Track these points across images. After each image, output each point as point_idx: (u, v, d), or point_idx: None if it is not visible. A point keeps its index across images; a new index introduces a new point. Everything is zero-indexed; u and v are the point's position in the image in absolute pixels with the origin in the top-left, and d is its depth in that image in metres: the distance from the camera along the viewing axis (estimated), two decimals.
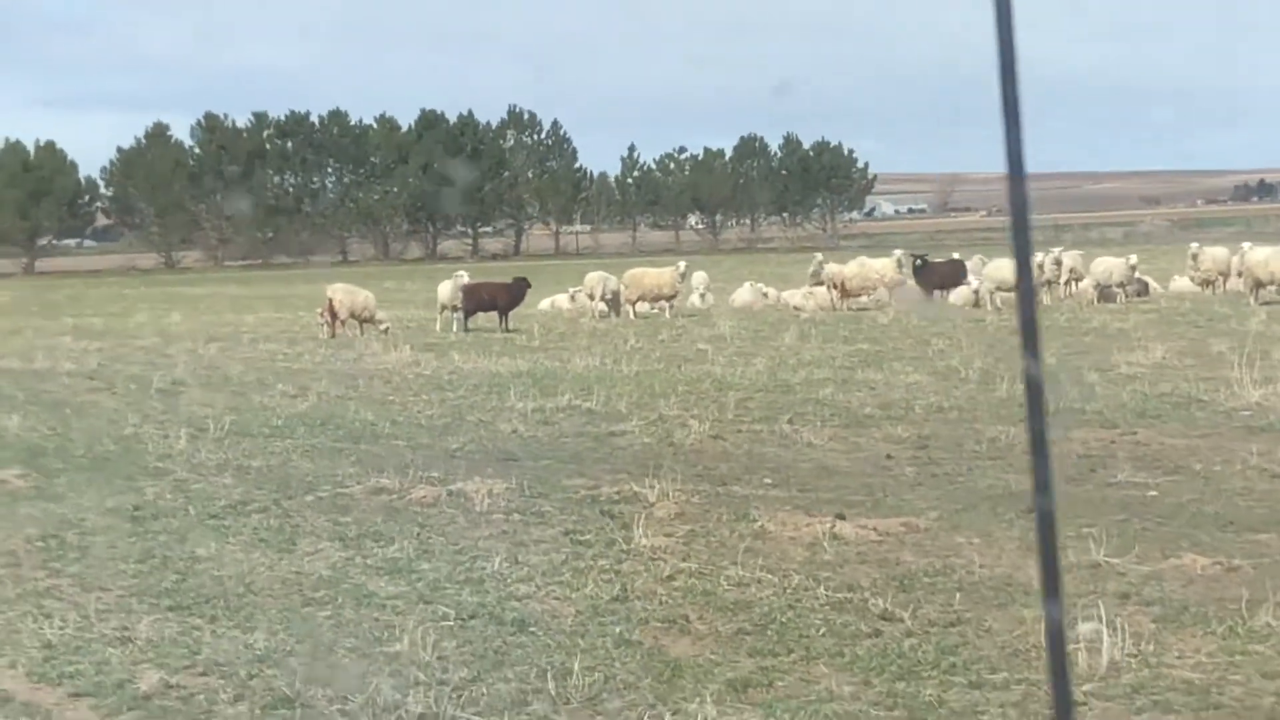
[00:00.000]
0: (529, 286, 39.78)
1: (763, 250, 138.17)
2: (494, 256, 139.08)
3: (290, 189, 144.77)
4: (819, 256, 49.10)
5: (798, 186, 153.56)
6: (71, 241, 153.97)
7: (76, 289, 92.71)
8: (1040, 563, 2.71)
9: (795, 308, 43.93)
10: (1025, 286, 2.66)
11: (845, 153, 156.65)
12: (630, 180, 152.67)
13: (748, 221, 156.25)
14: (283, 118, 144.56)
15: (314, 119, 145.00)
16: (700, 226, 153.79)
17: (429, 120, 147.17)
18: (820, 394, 21.53)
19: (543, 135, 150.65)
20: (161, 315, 53.42)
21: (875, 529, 12.06)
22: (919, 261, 43.86)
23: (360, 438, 18.83)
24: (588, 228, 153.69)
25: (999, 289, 39.89)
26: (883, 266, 42.87)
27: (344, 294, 37.59)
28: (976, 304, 41.06)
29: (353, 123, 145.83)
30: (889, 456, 16.08)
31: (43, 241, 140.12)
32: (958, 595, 9.98)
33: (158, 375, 28.10)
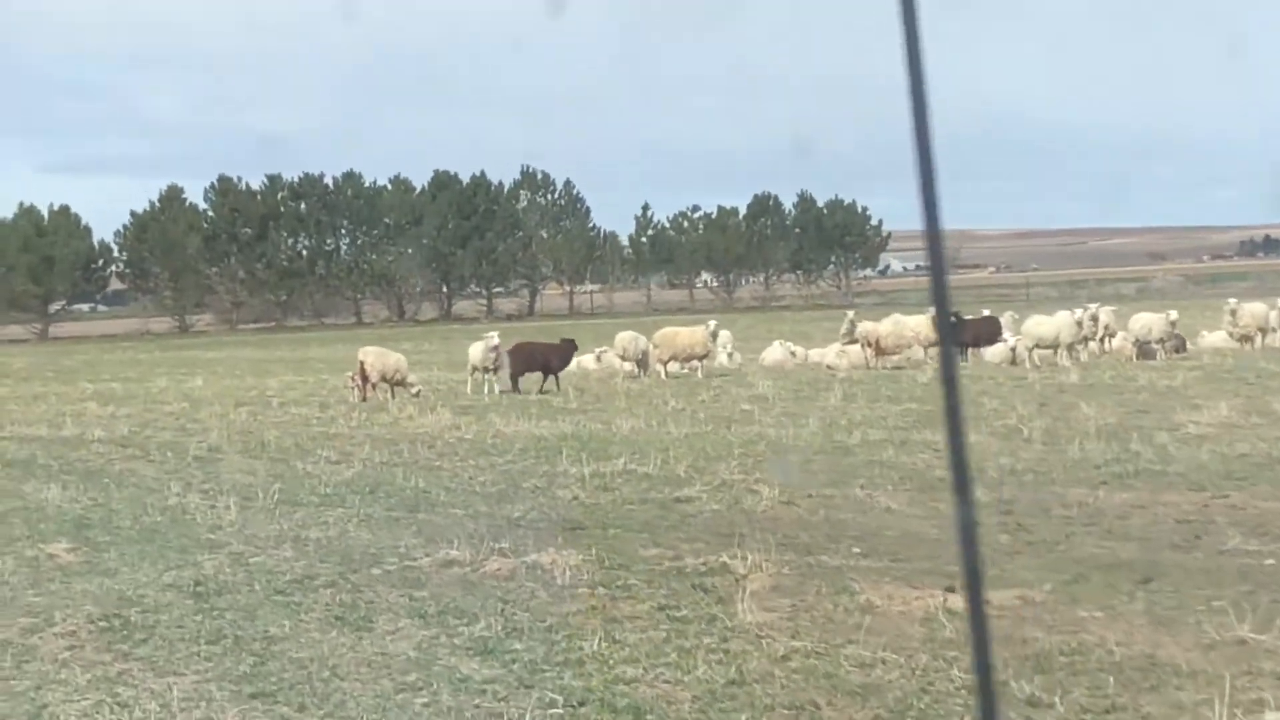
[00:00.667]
0: (576, 348, 39.30)
1: (777, 308, 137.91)
2: (509, 317, 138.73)
3: (304, 251, 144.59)
4: (851, 315, 48.49)
5: (812, 244, 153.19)
6: (84, 306, 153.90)
7: (91, 354, 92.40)
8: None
9: (829, 366, 43.35)
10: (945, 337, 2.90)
11: (859, 210, 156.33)
12: (644, 239, 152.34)
13: (761, 280, 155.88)
14: (296, 180, 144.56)
15: (327, 180, 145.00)
16: (715, 285, 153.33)
17: (442, 181, 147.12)
18: (882, 456, 20.91)
19: (556, 195, 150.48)
20: (182, 380, 52.89)
21: (989, 602, 11.36)
22: (952, 319, 43.16)
23: (415, 506, 18.19)
24: (600, 287, 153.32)
25: (1038, 346, 39.29)
26: (918, 324, 42.25)
27: (375, 356, 36.99)
28: (1014, 361, 40.47)
29: (366, 184, 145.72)
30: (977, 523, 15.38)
31: (56, 307, 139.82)
32: (1108, 679, 9.29)
33: (192, 442, 27.55)
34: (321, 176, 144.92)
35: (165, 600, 13.02)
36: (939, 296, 2.74)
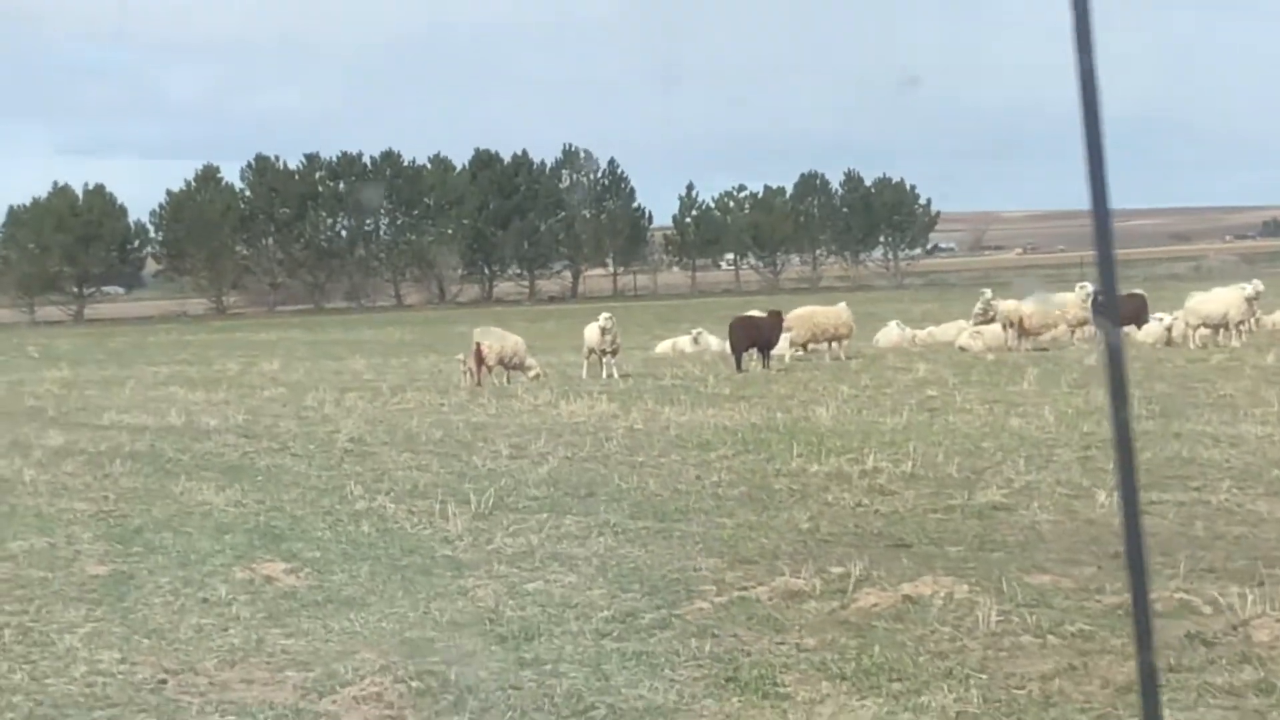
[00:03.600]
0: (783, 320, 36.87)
1: (825, 290, 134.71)
2: (550, 299, 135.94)
3: (343, 232, 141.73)
4: (986, 293, 45.46)
5: (860, 224, 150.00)
6: (119, 288, 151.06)
7: (133, 336, 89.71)
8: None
9: (961, 348, 40.42)
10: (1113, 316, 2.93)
11: (908, 188, 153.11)
12: (689, 220, 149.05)
13: (808, 260, 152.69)
14: (334, 159, 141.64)
15: (366, 160, 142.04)
16: (761, 266, 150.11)
17: (483, 160, 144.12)
18: (1166, 450, 17.93)
19: (599, 174, 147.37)
20: (251, 364, 50.08)
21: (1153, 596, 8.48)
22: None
23: (662, 514, 15.29)
24: (644, 266, 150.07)
25: (1204, 324, 36.31)
26: (1064, 302, 39.28)
27: (495, 338, 34.07)
28: (1169, 342, 37.51)
29: (405, 163, 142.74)
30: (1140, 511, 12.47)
31: (91, 289, 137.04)
32: None
33: (323, 431, 24.78)
34: (360, 155, 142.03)
35: (466, 647, 10.16)
36: (1106, 276, 2.69)
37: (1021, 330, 38.68)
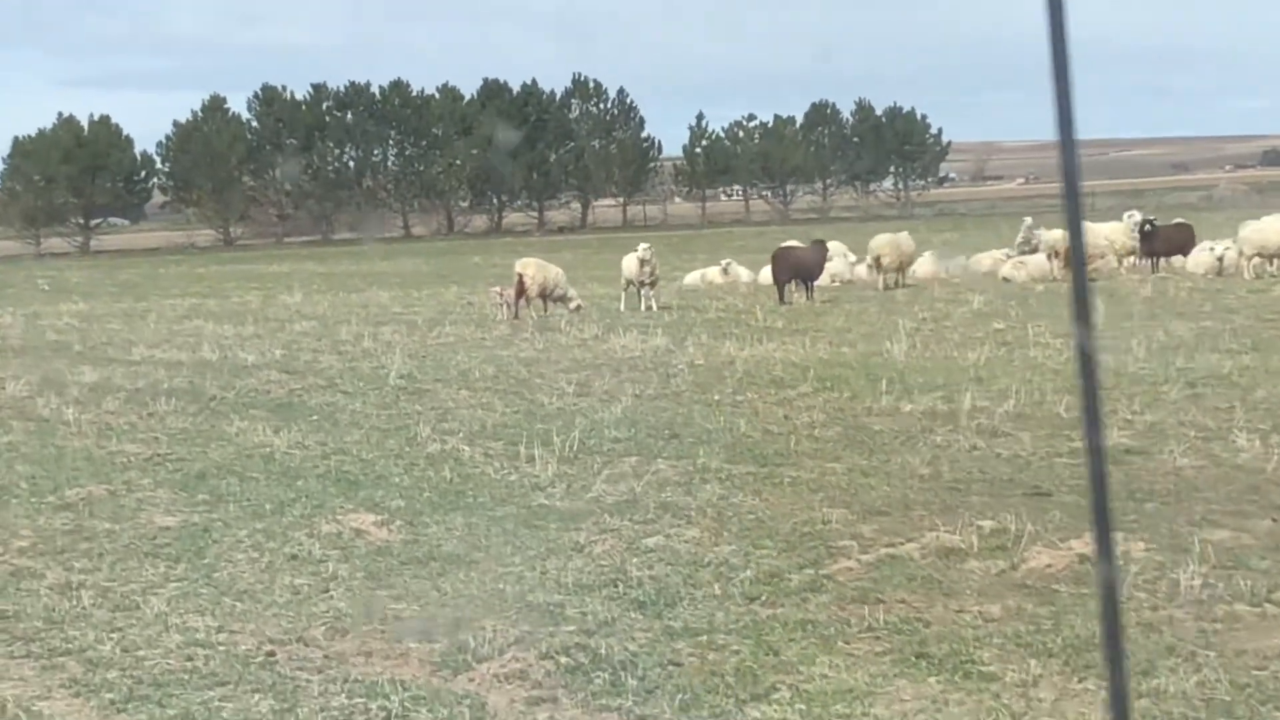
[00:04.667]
0: (827, 250, 35.96)
1: (836, 220, 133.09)
2: (560, 230, 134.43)
3: (351, 163, 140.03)
4: (1028, 221, 44.27)
5: (871, 154, 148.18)
6: (123, 220, 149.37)
7: (143, 268, 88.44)
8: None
9: (1004, 278, 39.31)
10: (1078, 253, 2.66)
11: (919, 118, 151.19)
12: (699, 150, 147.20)
13: (818, 190, 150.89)
14: (342, 89, 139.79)
15: (374, 90, 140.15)
16: (770, 196, 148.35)
17: (491, 90, 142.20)
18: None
19: (609, 104, 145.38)
20: (270, 295, 48.96)
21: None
22: (1147, 226, 39.09)
23: (762, 458, 14.27)
24: (653, 197, 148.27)
25: (1259, 254, 35.16)
26: (1111, 231, 38.16)
27: (536, 269, 32.84)
28: (1220, 272, 36.36)
29: (414, 93, 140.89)
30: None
31: (98, 220, 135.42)
32: None
33: (367, 366, 23.74)
34: (368, 85, 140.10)
35: (601, 613, 9.14)
36: (1072, 215, 2.61)
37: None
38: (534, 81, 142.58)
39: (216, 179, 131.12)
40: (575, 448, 14.94)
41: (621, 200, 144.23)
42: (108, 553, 11.45)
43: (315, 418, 18.44)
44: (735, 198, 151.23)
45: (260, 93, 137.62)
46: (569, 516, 11.93)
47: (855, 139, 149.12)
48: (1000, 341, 23.35)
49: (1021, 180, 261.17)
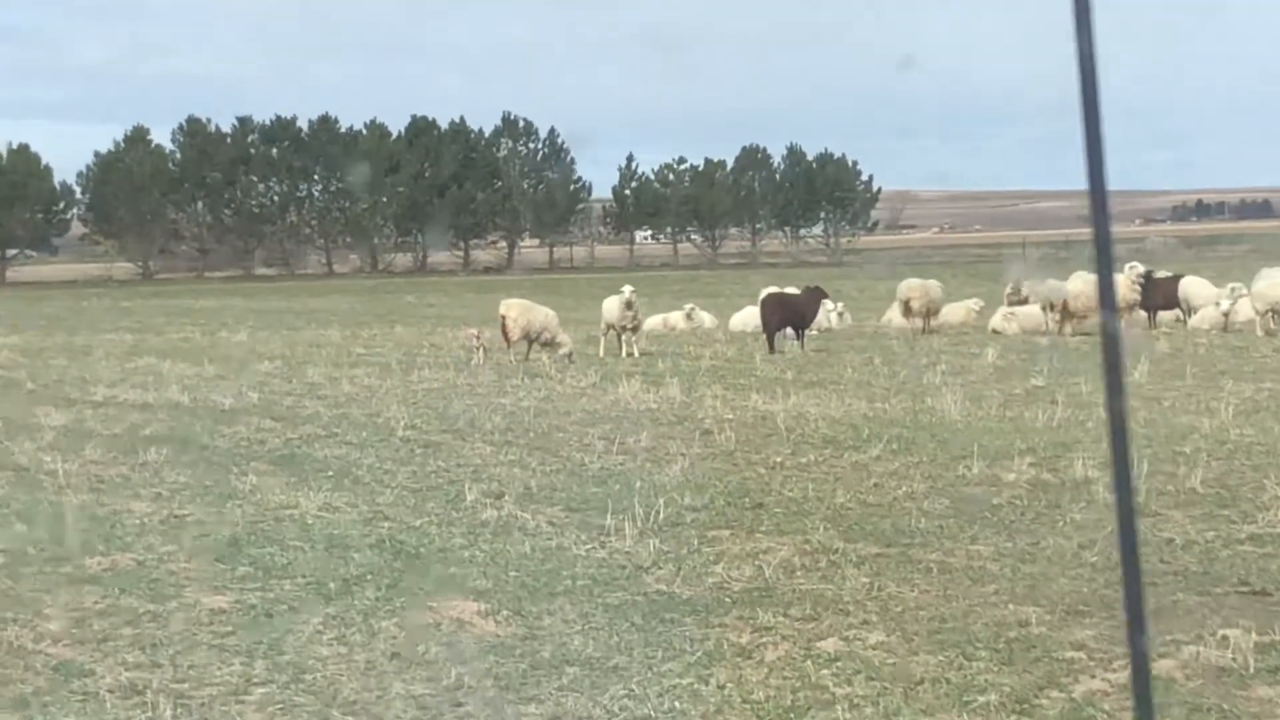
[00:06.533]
0: (825, 296, 34.28)
1: (764, 266, 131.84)
2: (486, 270, 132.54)
3: (275, 197, 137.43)
4: (1015, 273, 43.01)
5: (801, 199, 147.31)
6: (35, 253, 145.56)
7: (66, 301, 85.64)
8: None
9: (994, 330, 37.95)
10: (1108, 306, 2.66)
11: (850, 164, 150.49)
12: (628, 192, 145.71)
13: (746, 234, 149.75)
14: (268, 122, 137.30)
15: (300, 124, 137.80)
16: (700, 240, 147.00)
17: (420, 127, 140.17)
18: None
19: (539, 144, 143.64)
20: (213, 332, 46.92)
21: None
22: (1143, 279, 37.80)
23: (882, 536, 12.55)
24: (582, 236, 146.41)
25: (1272, 310, 33.92)
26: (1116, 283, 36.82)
27: (519, 311, 30.90)
28: (1226, 328, 35.15)
29: (341, 129, 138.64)
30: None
31: (14, 252, 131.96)
32: None
33: (359, 414, 21.85)
34: (294, 120, 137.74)
35: None
36: (1102, 258, 2.60)
37: (1065, 313, 36.16)
38: (462, 119, 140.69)
39: (138, 211, 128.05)
40: (658, 519, 13.13)
41: (549, 242, 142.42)
42: (161, 643, 9.55)
43: (330, 474, 16.52)
44: (663, 240, 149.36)
45: (185, 124, 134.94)
46: (701, 608, 10.15)
47: (786, 184, 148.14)
48: (1048, 400, 21.73)
49: (936, 229, 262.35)
